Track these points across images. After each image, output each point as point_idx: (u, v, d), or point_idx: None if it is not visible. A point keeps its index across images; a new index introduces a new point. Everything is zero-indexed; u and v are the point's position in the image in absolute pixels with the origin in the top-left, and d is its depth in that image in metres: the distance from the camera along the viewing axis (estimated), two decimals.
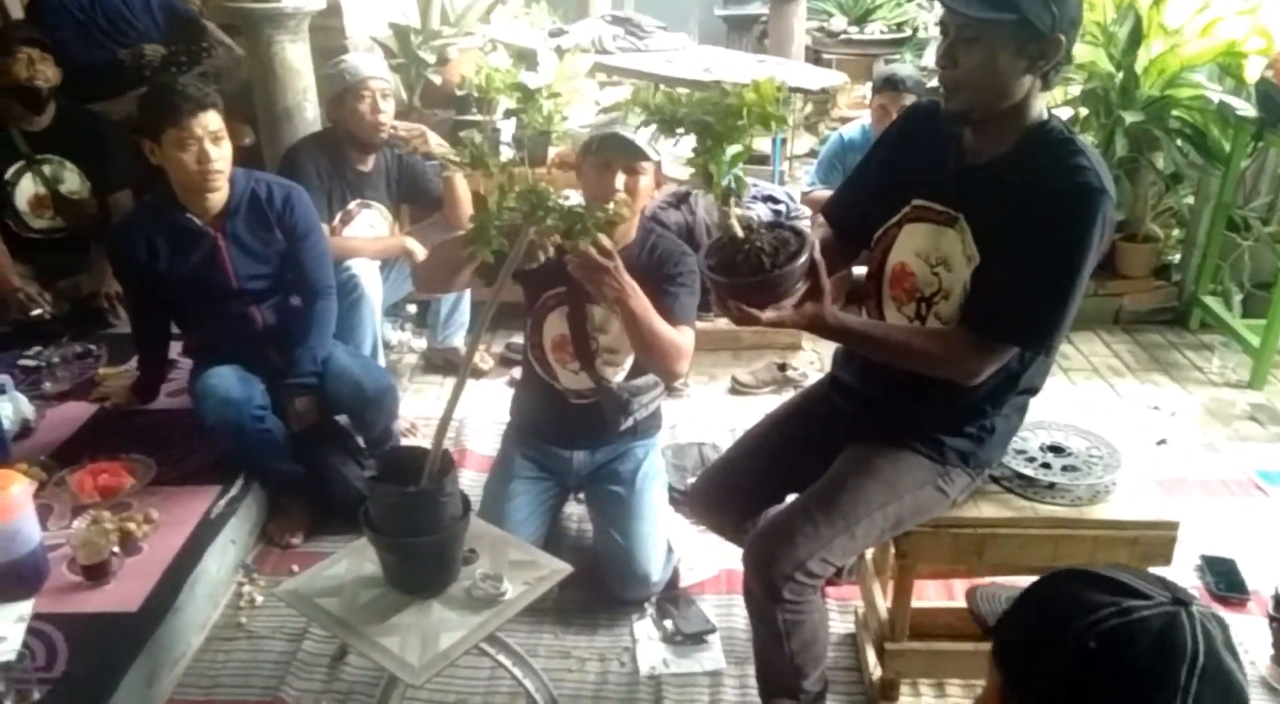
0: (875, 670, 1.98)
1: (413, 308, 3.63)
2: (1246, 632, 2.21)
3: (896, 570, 1.84)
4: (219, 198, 2.35)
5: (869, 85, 5.41)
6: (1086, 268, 1.52)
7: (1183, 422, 3.16)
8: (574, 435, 2.34)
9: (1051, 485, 1.78)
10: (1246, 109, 3.41)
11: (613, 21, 4.96)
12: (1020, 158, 1.56)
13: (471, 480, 2.68)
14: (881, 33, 6.10)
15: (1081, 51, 3.50)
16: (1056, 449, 1.87)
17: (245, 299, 2.42)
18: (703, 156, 1.41)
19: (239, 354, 2.40)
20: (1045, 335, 1.55)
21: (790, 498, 2.00)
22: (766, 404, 3.23)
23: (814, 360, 3.54)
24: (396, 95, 3.04)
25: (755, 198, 3.50)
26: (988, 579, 1.99)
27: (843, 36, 6.14)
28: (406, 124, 2.98)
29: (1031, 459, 1.83)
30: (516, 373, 3.36)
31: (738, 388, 3.30)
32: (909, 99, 3.43)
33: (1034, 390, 1.74)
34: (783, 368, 3.35)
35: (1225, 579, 2.35)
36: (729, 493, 2.00)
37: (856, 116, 5.94)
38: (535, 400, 2.36)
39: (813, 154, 6.02)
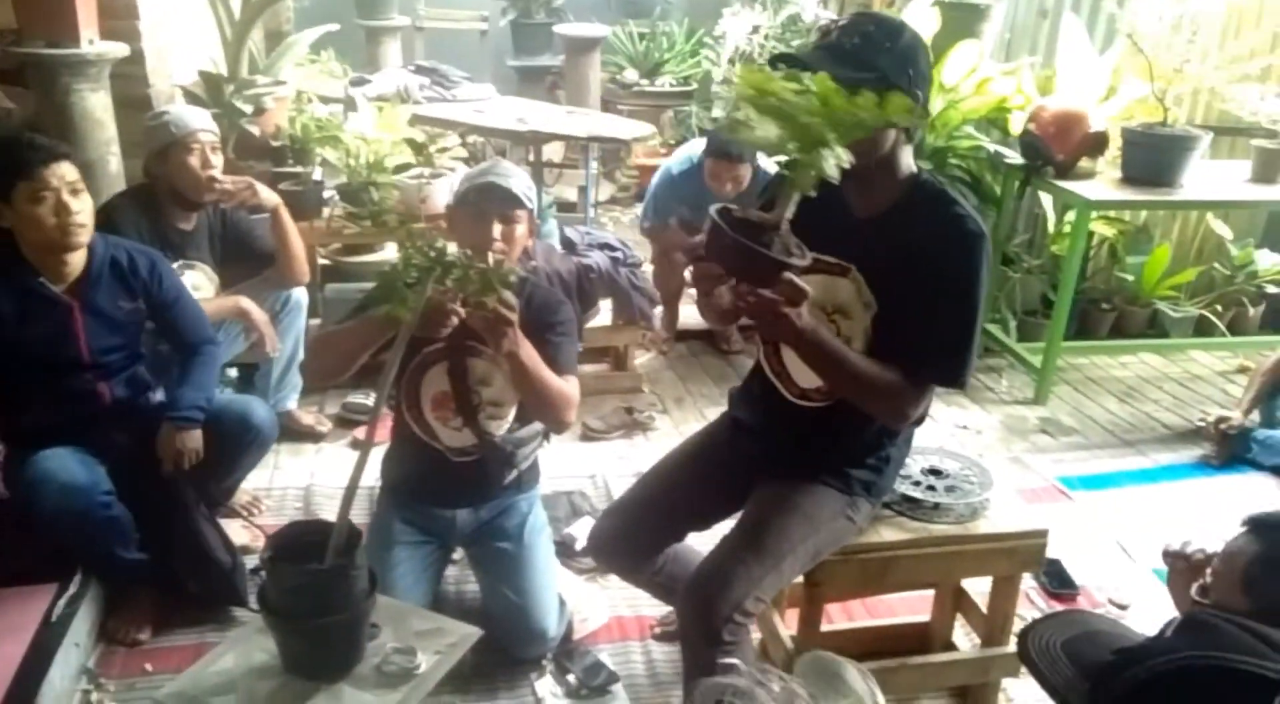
0: None
1: (233, 371, 3.39)
2: None
3: (805, 598, 1.93)
4: (79, 259, 2.14)
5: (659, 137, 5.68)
6: (984, 304, 1.68)
7: (988, 438, 3.49)
8: (456, 494, 2.28)
9: (936, 506, 1.94)
10: (1014, 157, 3.87)
11: (417, 71, 4.91)
12: (904, 210, 1.70)
13: None
14: (671, 85, 6.38)
15: None
16: (936, 472, 2.03)
17: (95, 373, 2.20)
18: (808, 154, 1.41)
19: (78, 435, 2.16)
20: (964, 371, 1.69)
21: (690, 535, 2.07)
22: (619, 448, 3.30)
23: (655, 401, 3.62)
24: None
25: (590, 245, 3.55)
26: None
27: (635, 88, 6.37)
28: (232, 177, 2.82)
29: (917, 483, 1.98)
30: (359, 433, 3.24)
31: (589, 434, 3.32)
32: (744, 168, 3.54)
33: (922, 420, 1.89)
34: (630, 411, 3.41)
35: (1056, 578, 2.62)
36: (633, 534, 2.03)
37: (653, 164, 6.20)
38: (412, 461, 2.28)
39: (614, 200, 6.21)
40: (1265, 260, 4.44)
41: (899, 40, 1.64)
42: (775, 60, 1.84)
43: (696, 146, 3.83)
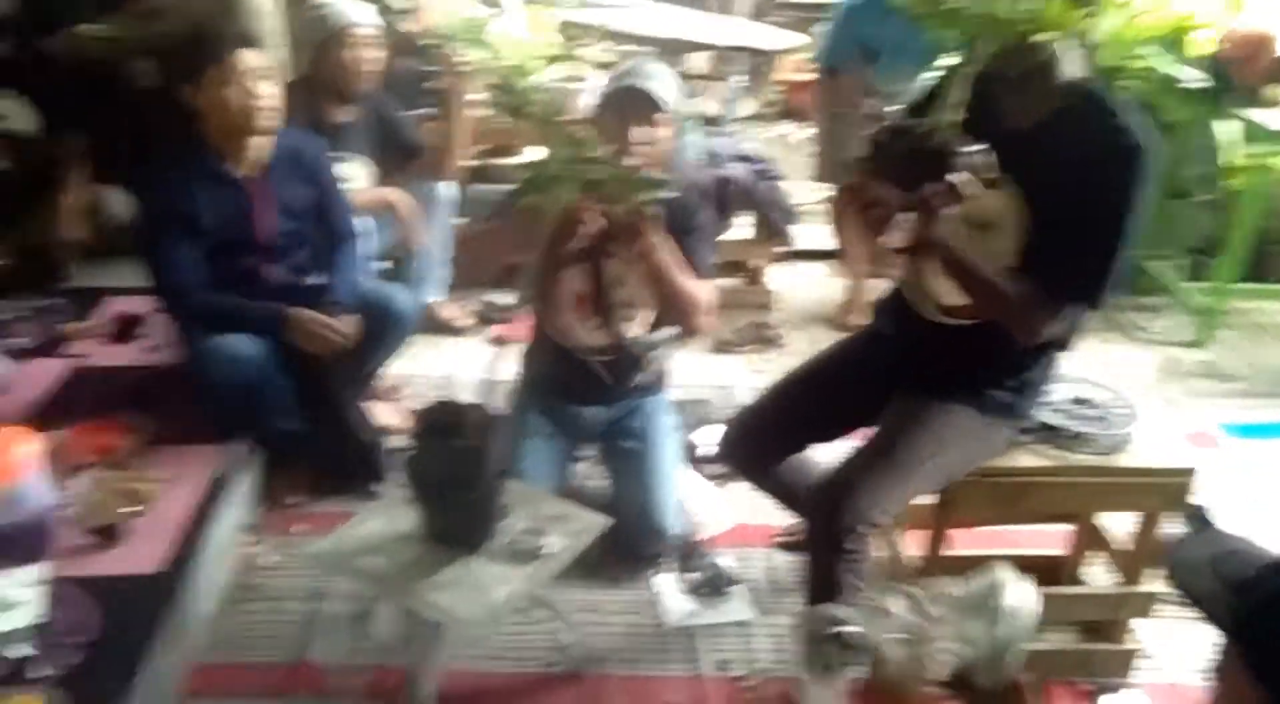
0: None
1: (382, 263, 3.53)
2: None
3: (935, 517, 1.90)
4: (262, 146, 2.26)
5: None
6: (1137, 224, 1.59)
7: (1142, 378, 3.33)
8: (588, 392, 2.34)
9: (1078, 435, 1.87)
10: (1192, 81, 3.58)
11: None
12: (1062, 121, 1.61)
13: None
14: None
15: None
16: (1081, 401, 1.95)
17: (266, 255, 2.34)
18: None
19: None
20: (1101, 290, 1.61)
21: (815, 446, 2.07)
22: (751, 361, 3.30)
23: (787, 318, 3.59)
24: None
25: (733, 157, 3.51)
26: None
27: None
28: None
29: (1060, 410, 1.92)
30: (498, 330, 3.34)
31: (722, 346, 3.33)
32: None
33: (1065, 346, 1.81)
34: (762, 327, 3.40)
35: (1199, 523, 2.50)
36: (761, 439, 2.05)
37: (802, 79, 6.01)
38: (548, 359, 2.34)
39: (759, 116, 6.07)
40: None
41: None
42: None
43: None
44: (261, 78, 2.18)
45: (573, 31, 4.21)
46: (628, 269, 2.15)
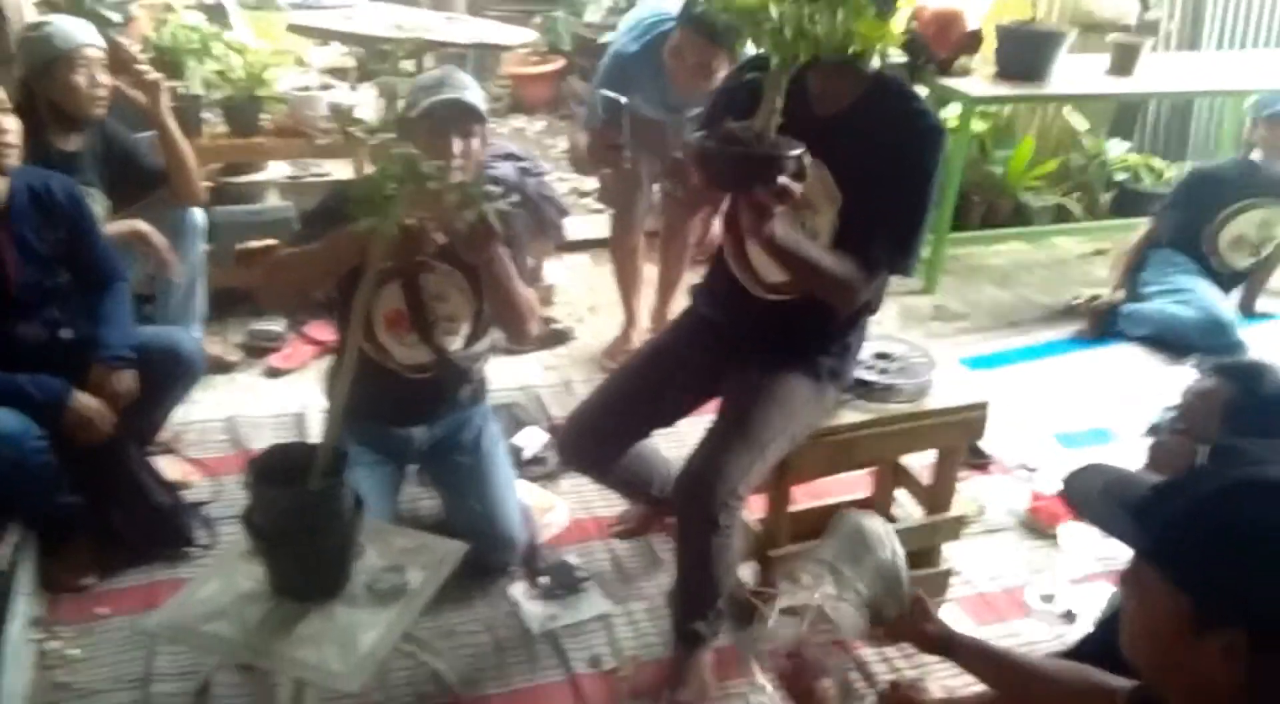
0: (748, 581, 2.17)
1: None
2: (997, 488, 2.71)
3: (774, 482, 2.02)
4: (1, 188, 1.93)
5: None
6: (935, 197, 1.77)
7: (888, 327, 3.68)
8: (411, 412, 2.26)
9: (889, 387, 2.06)
10: (894, 56, 3.98)
11: None
12: (868, 107, 1.76)
13: None
14: None
15: None
16: (884, 356, 2.15)
17: (17, 312, 2.05)
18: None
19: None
20: (911, 259, 1.79)
21: (656, 432, 2.13)
22: (543, 359, 3.31)
23: (569, 311, 3.63)
24: None
25: (495, 156, 3.47)
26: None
27: None
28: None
29: (870, 367, 2.09)
30: (274, 361, 3.13)
31: (510, 347, 3.31)
32: (720, 59, 2.63)
33: (875, 310, 1.99)
34: (547, 322, 3.41)
35: (971, 450, 2.82)
36: (604, 434, 2.08)
37: (525, 72, 6.05)
38: (364, 381, 2.21)
39: (490, 112, 6.01)
40: (1115, 150, 4.78)
41: None
42: None
43: (649, 10, 2.92)
44: (3, 111, 1.90)
45: (300, 35, 4.02)
46: (447, 282, 2.10)
